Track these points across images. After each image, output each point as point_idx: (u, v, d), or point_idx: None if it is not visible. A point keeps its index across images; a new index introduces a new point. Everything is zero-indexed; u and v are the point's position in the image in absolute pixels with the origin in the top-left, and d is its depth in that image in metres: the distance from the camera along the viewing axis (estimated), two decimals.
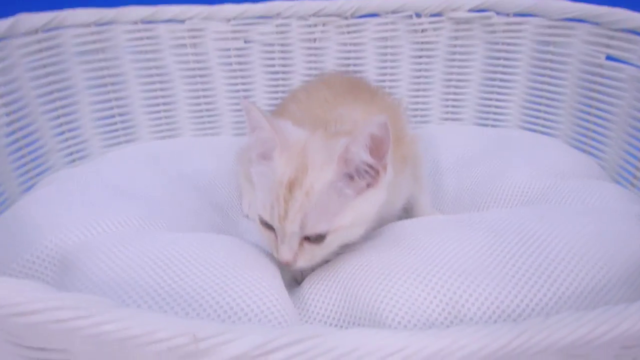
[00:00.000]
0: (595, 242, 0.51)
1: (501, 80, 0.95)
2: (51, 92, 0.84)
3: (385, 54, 0.99)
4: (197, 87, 0.98)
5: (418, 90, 1.00)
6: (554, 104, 0.89)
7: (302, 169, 0.50)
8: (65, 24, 0.84)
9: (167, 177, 0.77)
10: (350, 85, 0.75)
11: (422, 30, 0.97)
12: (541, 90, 0.90)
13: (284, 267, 0.54)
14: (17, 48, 0.78)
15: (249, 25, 0.96)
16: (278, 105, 0.87)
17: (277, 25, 0.97)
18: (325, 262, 0.64)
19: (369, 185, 0.52)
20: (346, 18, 0.97)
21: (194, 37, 0.95)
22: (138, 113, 0.95)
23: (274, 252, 0.54)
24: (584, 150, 0.84)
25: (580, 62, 0.84)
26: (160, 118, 0.97)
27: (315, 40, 0.98)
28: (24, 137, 0.79)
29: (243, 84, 1.00)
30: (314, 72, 1.00)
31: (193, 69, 0.97)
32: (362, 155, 0.49)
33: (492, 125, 0.97)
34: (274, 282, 0.51)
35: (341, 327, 0.50)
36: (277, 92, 1.02)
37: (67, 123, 0.86)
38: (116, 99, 0.92)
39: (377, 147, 0.49)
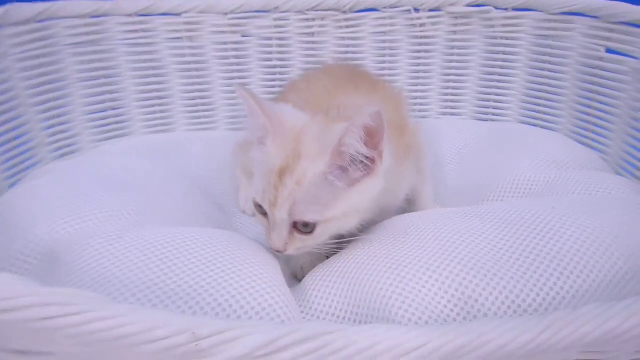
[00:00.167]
0: (611, 233, 0.49)
1: (500, 74, 0.94)
2: (42, 84, 0.81)
3: (384, 49, 0.97)
4: (193, 81, 0.96)
5: (417, 85, 0.99)
6: (554, 98, 0.88)
7: (294, 156, 0.49)
8: (59, 15, 0.81)
9: (161, 171, 0.74)
10: (351, 74, 0.74)
11: (421, 25, 0.95)
12: (541, 84, 0.89)
13: (283, 259, 0.53)
14: (8, 38, 0.76)
15: (247, 19, 0.94)
16: (277, 94, 0.85)
17: (275, 19, 0.95)
18: (325, 257, 0.62)
19: (364, 175, 0.51)
20: (345, 12, 0.95)
21: (190, 30, 0.93)
22: (131, 107, 0.92)
23: (267, 238, 0.53)
24: (585, 144, 0.83)
25: (580, 56, 0.83)
26: (154, 112, 0.95)
27: (313, 34, 0.96)
28: (12, 129, 0.76)
29: (240, 78, 0.98)
30: (312, 66, 0.98)
31: (189, 63, 0.95)
32: (356, 146, 0.48)
33: (492, 120, 0.96)
34: (275, 277, 0.49)
35: (348, 324, 0.47)
36: (274, 86, 0.99)
37: (57, 116, 0.84)
38: (109, 92, 0.89)
39: (371, 137, 0.48)
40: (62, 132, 0.84)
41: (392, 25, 0.95)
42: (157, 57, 0.92)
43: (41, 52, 0.80)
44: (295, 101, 0.71)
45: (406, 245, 0.52)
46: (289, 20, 0.95)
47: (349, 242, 0.56)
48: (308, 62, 0.98)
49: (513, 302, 0.44)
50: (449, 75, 0.97)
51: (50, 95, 0.82)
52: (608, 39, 0.79)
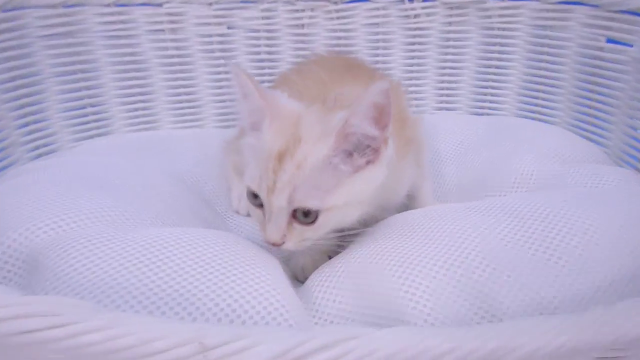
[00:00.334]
0: (623, 226, 0.47)
1: (497, 67, 0.92)
2: (13, 79, 0.75)
3: (377, 41, 0.94)
4: (177, 76, 0.91)
5: (411, 78, 0.96)
6: (552, 90, 0.86)
7: (294, 140, 0.46)
8: (28, 3, 0.76)
9: (146, 171, 0.70)
10: (347, 65, 0.71)
11: (415, 16, 0.92)
12: (539, 76, 0.87)
13: (283, 261, 0.50)
14: None
15: (233, 10, 0.90)
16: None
17: (262, 10, 0.91)
18: (327, 257, 0.59)
19: (368, 162, 0.48)
20: (335, 3, 0.91)
21: (172, 22, 0.88)
22: (112, 104, 0.87)
23: (261, 235, 0.49)
24: (584, 137, 0.81)
25: (580, 46, 0.82)
26: (136, 109, 0.90)
27: (303, 26, 0.93)
28: None
29: (226, 72, 0.94)
30: (301, 60, 0.94)
31: (172, 57, 0.90)
32: (364, 127, 0.45)
33: (488, 114, 0.94)
34: (279, 278, 0.45)
35: (358, 326, 0.44)
36: (262, 81, 0.95)
37: (32, 114, 0.78)
38: (87, 87, 0.84)
39: (380, 117, 0.45)
40: (37, 130, 0.78)
41: (385, 16, 0.92)
42: (138, 51, 0.87)
43: (11, 44, 0.75)
44: (287, 94, 0.68)
45: (413, 241, 0.49)
46: (277, 11, 0.91)
47: (350, 238, 0.53)
48: (298, 56, 0.94)
49: (533, 298, 0.41)
50: (444, 68, 0.95)
51: (24, 91, 0.77)
52: (608, 29, 0.77)
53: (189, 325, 0.26)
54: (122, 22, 0.85)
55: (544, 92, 0.87)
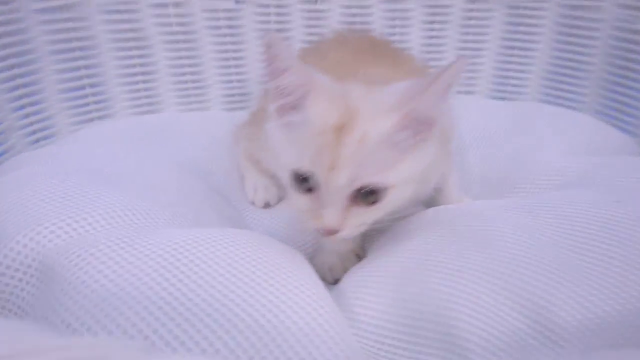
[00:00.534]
0: None
1: (521, 48, 0.87)
2: (6, 57, 0.69)
3: (394, 19, 0.89)
4: (181, 54, 0.85)
5: (429, 59, 0.91)
6: (579, 75, 0.82)
7: (349, 114, 0.42)
8: None
9: (155, 160, 0.65)
10: (371, 45, 0.65)
11: None
12: (566, 59, 0.83)
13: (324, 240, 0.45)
14: None
15: None
16: None
17: None
18: (356, 256, 0.56)
19: (423, 138, 0.44)
20: None
21: None
22: (112, 84, 0.81)
23: (310, 223, 0.44)
24: (614, 126, 0.78)
25: (613, 28, 0.77)
26: (138, 90, 0.84)
27: (316, 1, 0.87)
28: None
29: (234, 50, 0.88)
30: (314, 37, 0.89)
31: (176, 33, 0.84)
32: (434, 104, 0.41)
33: (509, 99, 0.90)
34: (316, 286, 0.42)
35: (400, 339, 0.41)
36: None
37: (27, 95, 0.72)
38: (86, 66, 0.78)
39: (444, 97, 0.41)
40: (34, 113, 0.73)
41: None
42: (140, 27, 0.81)
43: (2, 19, 0.68)
44: None
45: (457, 246, 0.46)
46: None
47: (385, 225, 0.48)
48: (310, 33, 0.89)
49: (595, 314, 0.38)
50: (464, 49, 0.90)
51: (18, 71, 0.71)
52: None
53: None
54: None
55: (570, 76, 0.83)
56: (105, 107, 0.81)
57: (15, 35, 0.70)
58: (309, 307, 0.38)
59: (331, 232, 0.43)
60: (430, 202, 0.61)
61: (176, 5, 0.82)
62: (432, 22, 0.89)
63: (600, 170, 0.61)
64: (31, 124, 0.72)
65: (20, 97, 0.71)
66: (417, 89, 0.41)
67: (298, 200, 0.45)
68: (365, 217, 0.44)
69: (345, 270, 0.53)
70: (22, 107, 0.71)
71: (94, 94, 0.80)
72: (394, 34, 0.89)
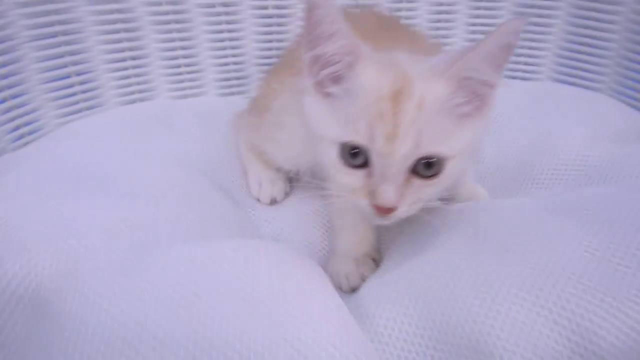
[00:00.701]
0: None
1: (536, 24, 0.82)
2: None
3: None
4: (173, 37, 0.79)
5: (437, 36, 0.86)
6: (598, 53, 0.77)
7: (404, 79, 0.39)
8: None
9: (151, 156, 0.61)
10: (380, 23, 0.61)
11: None
12: (584, 36, 0.78)
13: (377, 221, 0.42)
14: None
15: None
16: (283, 55, 0.70)
17: None
18: (373, 261, 0.53)
19: (476, 109, 0.41)
20: None
21: None
22: (100, 71, 0.75)
23: (363, 202, 0.40)
24: (633, 107, 0.74)
25: (636, 2, 0.72)
26: (128, 77, 0.78)
27: None
28: None
29: (229, 31, 0.82)
30: None
31: (167, 13, 0.77)
32: (487, 65, 0.38)
33: (521, 78, 0.85)
34: (339, 308, 0.39)
35: (432, 357, 0.38)
36: (271, 40, 0.84)
37: (8, 87, 0.66)
38: (70, 53, 0.72)
39: (502, 60, 0.38)
40: (17, 106, 0.67)
41: None
42: (128, 7, 0.75)
43: None
44: None
45: (487, 255, 0.42)
46: None
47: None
48: None
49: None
50: (475, 25, 0.84)
51: None
52: None
53: None
54: None
55: (588, 54, 0.78)
56: (94, 97, 0.75)
57: None
58: (329, 335, 0.35)
59: (388, 211, 0.40)
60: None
61: None
62: None
63: (627, 160, 0.58)
64: (13, 118, 0.67)
65: (1, 89, 0.65)
66: (470, 51, 0.38)
67: (347, 177, 0.41)
68: (423, 192, 0.41)
69: (362, 277, 0.50)
70: (3, 99, 0.65)
71: (80, 82, 0.74)
72: (400, 10, 0.84)
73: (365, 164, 0.40)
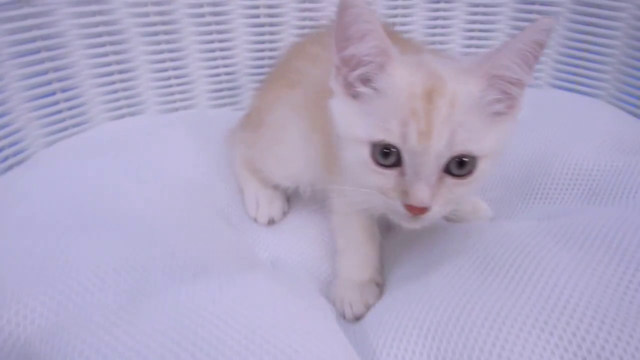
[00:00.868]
0: None
1: None
2: None
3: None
4: (162, 48, 0.77)
5: (434, 42, 0.84)
6: (598, 59, 0.76)
7: (435, 78, 0.39)
8: None
9: (145, 179, 0.58)
10: None
11: None
12: (583, 41, 0.77)
13: (408, 224, 0.41)
14: None
15: None
16: (277, 65, 0.68)
17: None
18: (376, 286, 0.51)
19: (507, 107, 0.41)
20: None
21: None
22: (86, 86, 0.72)
23: (395, 203, 0.40)
24: (633, 115, 0.73)
25: (637, 8, 0.71)
26: (115, 91, 0.75)
27: None
28: None
29: (220, 41, 0.80)
30: (308, 23, 0.81)
31: (155, 24, 0.75)
32: (517, 63, 0.38)
33: None
34: (342, 347, 0.37)
35: None
36: (263, 50, 0.82)
37: None
38: (54, 69, 0.69)
39: (532, 60, 0.38)
40: (0, 127, 0.64)
41: None
42: (113, 19, 0.72)
43: None
44: (314, 73, 0.56)
45: (497, 285, 0.41)
46: None
47: None
48: (304, 18, 0.81)
49: None
50: (472, 30, 0.83)
51: None
52: None
53: None
54: None
55: (588, 60, 0.77)
56: (80, 113, 0.73)
57: None
58: None
59: (421, 211, 0.39)
60: None
61: None
62: (437, 2, 0.81)
63: (631, 174, 0.57)
64: None
65: None
66: (500, 50, 0.38)
67: (379, 177, 0.40)
68: (455, 192, 0.40)
69: (366, 305, 0.49)
70: None
71: (65, 99, 0.71)
72: (396, 16, 0.82)
73: (396, 164, 0.39)
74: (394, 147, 0.39)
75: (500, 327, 0.37)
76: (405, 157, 0.39)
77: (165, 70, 0.78)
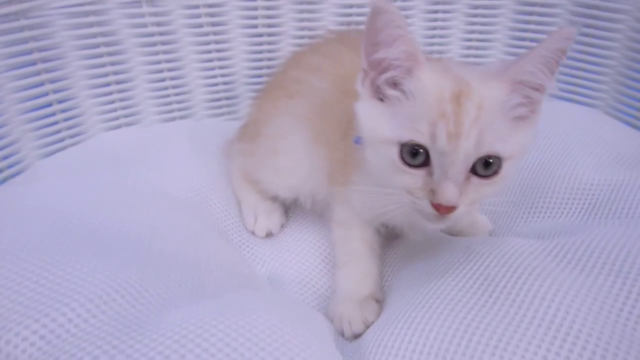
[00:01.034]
0: None
1: (532, 40, 0.80)
2: None
3: None
4: (159, 58, 0.76)
5: (432, 52, 0.84)
6: (596, 70, 0.76)
7: (462, 82, 0.40)
8: None
9: (136, 196, 0.58)
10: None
11: None
12: (581, 52, 0.77)
13: (433, 224, 0.42)
14: None
15: None
16: (274, 75, 0.67)
17: None
18: (376, 303, 0.50)
19: (531, 111, 0.42)
20: None
21: None
22: (82, 97, 0.72)
23: (422, 203, 0.41)
24: (631, 125, 0.73)
25: (637, 20, 0.71)
26: (112, 102, 0.75)
27: None
28: None
29: (217, 50, 0.79)
30: (306, 33, 0.80)
31: (152, 34, 0.74)
32: (540, 69, 0.39)
33: None
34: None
35: None
36: (261, 59, 0.81)
37: None
38: (50, 80, 0.68)
39: (554, 66, 0.40)
40: None
41: None
42: (110, 29, 0.71)
43: None
44: (316, 85, 0.56)
45: (498, 309, 0.41)
46: None
47: None
48: (302, 28, 0.80)
49: None
50: (470, 40, 0.83)
51: None
52: None
53: None
54: None
55: (585, 70, 0.77)
56: (76, 124, 0.72)
57: None
58: None
59: (448, 210, 0.40)
60: None
61: (150, 2, 0.72)
62: (435, 12, 0.81)
63: (632, 187, 0.57)
64: None
65: None
66: (524, 56, 0.40)
67: (407, 177, 0.41)
68: (481, 192, 0.41)
69: (366, 323, 0.48)
70: None
71: (62, 110, 0.70)
72: None
73: (424, 164, 0.41)
74: (423, 147, 0.40)
75: (501, 354, 0.37)
76: (434, 157, 0.40)
77: (163, 80, 0.78)
